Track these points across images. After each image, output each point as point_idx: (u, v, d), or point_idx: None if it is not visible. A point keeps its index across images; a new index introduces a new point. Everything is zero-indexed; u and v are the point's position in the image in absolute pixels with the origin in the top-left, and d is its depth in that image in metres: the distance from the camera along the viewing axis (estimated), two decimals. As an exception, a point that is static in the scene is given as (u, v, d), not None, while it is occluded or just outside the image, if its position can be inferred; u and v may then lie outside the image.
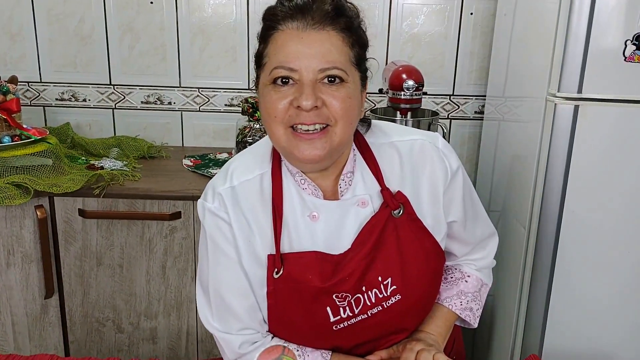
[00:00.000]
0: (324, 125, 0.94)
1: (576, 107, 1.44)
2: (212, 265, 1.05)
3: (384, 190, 1.04)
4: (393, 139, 1.08)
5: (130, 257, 1.78)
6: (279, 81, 0.93)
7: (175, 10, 2.12)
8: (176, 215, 1.73)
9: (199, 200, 1.06)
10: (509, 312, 1.73)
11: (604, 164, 1.47)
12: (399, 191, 1.05)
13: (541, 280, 1.57)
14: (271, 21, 0.95)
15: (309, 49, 0.91)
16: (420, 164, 1.07)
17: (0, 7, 2.10)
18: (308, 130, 0.93)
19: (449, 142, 2.02)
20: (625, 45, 1.38)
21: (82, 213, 1.72)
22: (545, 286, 1.57)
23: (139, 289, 1.81)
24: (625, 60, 1.39)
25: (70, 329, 1.84)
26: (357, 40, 0.97)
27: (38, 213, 1.69)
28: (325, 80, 0.92)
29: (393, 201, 1.03)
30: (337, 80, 0.93)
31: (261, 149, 1.09)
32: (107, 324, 1.84)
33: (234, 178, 1.04)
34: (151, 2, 2.10)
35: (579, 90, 1.42)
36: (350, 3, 0.98)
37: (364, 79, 1.00)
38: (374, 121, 1.11)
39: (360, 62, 0.98)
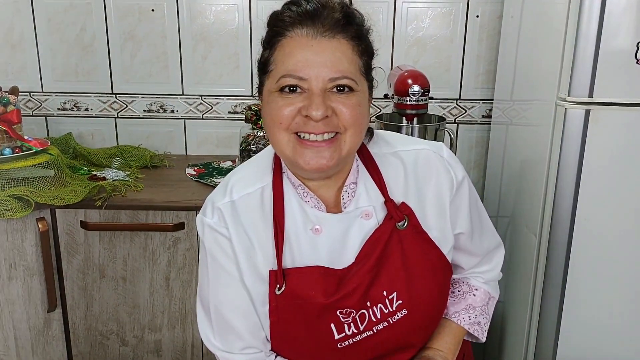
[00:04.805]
0: (333, 134, 0.91)
1: (587, 112, 1.40)
2: (213, 282, 1.02)
3: (388, 201, 1.00)
4: (397, 149, 1.05)
5: (134, 269, 1.75)
6: (286, 89, 0.90)
7: (177, 17, 2.10)
8: (179, 226, 1.71)
9: (197, 215, 1.03)
10: (520, 323, 1.68)
11: (617, 169, 1.43)
12: (403, 202, 1.01)
13: (553, 290, 1.53)
14: (278, 27, 0.91)
15: (319, 58, 0.88)
16: (425, 175, 1.03)
17: (0, 17, 2.09)
18: (316, 139, 0.90)
19: (456, 147, 2.00)
20: (637, 48, 1.34)
21: (84, 225, 1.70)
22: (557, 296, 1.53)
23: (142, 301, 1.78)
24: (637, 62, 1.35)
25: (73, 342, 1.82)
26: (366, 49, 0.95)
27: (40, 226, 1.67)
28: (335, 89, 0.90)
29: (397, 213, 1.00)
30: (347, 89, 0.90)
31: (262, 161, 1.06)
32: (111, 337, 1.82)
33: (234, 192, 1.02)
34: (152, 10, 2.08)
35: (590, 94, 1.38)
36: (357, 10, 0.95)
37: (370, 88, 0.98)
38: (376, 131, 1.09)
39: (368, 71, 0.96)
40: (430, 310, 1.05)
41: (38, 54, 2.13)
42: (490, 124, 2.16)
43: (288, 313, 0.99)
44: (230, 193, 1.01)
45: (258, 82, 0.98)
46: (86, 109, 2.19)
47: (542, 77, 1.57)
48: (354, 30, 0.91)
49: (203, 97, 2.18)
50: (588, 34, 1.35)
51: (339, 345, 1.00)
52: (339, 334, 0.99)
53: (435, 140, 1.51)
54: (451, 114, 2.19)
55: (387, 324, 1.00)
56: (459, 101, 2.18)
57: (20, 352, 1.78)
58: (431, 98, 1.83)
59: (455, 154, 1.31)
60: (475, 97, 2.17)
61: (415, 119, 1.84)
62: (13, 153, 1.73)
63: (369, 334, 1.00)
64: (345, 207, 1.01)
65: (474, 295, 1.16)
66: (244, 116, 1.90)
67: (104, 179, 1.84)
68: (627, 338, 1.55)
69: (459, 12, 2.08)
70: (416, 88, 1.76)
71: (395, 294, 1.00)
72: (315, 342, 1.00)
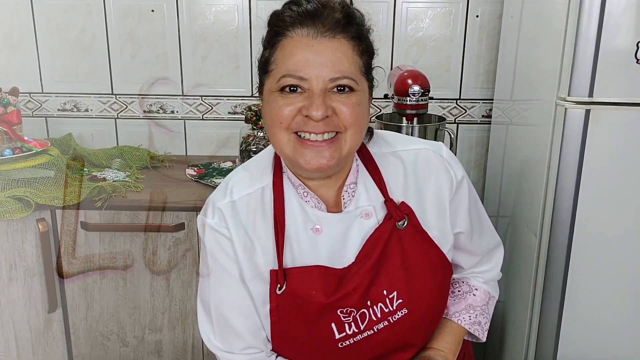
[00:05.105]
0: (334, 134, 0.91)
1: (587, 112, 1.40)
2: (213, 282, 1.02)
3: (388, 201, 1.01)
4: (397, 149, 1.05)
5: (134, 269, 1.75)
6: (287, 89, 0.90)
7: (177, 18, 2.10)
8: (180, 227, 1.70)
9: (198, 215, 1.03)
10: (520, 323, 1.68)
11: (617, 169, 1.43)
12: (403, 202, 1.02)
13: (553, 290, 1.53)
14: (279, 27, 0.92)
15: (320, 58, 0.88)
16: (425, 174, 1.04)
17: (0, 17, 2.09)
18: (317, 139, 0.90)
19: (456, 147, 2.00)
20: (637, 47, 1.34)
21: (84, 226, 1.70)
22: (557, 296, 1.52)
23: (143, 302, 1.78)
24: (637, 62, 1.35)
25: (74, 343, 1.82)
26: (366, 49, 0.95)
27: (40, 226, 1.66)
28: (335, 89, 0.90)
29: (397, 212, 1.00)
30: (347, 89, 0.90)
31: (262, 161, 1.06)
32: (111, 337, 1.82)
33: (234, 192, 1.02)
34: (152, 11, 2.08)
35: (590, 94, 1.38)
36: (357, 10, 0.95)
37: (370, 88, 0.98)
38: (376, 131, 1.09)
39: (368, 71, 0.96)
40: (430, 310, 1.05)
41: (38, 54, 2.13)
42: (490, 124, 2.16)
43: (289, 313, 1.00)
44: (231, 193, 1.02)
45: (258, 81, 0.98)
46: (86, 110, 2.19)
47: (542, 77, 1.56)
48: (354, 30, 0.92)
49: (203, 97, 2.18)
50: (588, 34, 1.35)
51: (339, 344, 1.00)
52: (339, 334, 0.99)
53: (435, 140, 1.51)
54: (451, 114, 2.19)
55: (387, 323, 1.00)
56: (459, 101, 2.18)
57: (21, 353, 1.77)
58: (431, 98, 1.83)
59: (455, 154, 1.31)
60: (475, 97, 2.17)
61: (415, 119, 1.84)
62: (13, 154, 1.73)
63: (369, 333, 1.00)
64: (345, 207, 1.01)
65: (474, 295, 1.16)
66: (244, 116, 1.90)
67: (104, 179, 1.84)
68: (627, 338, 1.55)
69: (459, 12, 2.08)
70: (416, 88, 1.76)
71: (395, 293, 1.00)
72: (315, 342, 1.00)
